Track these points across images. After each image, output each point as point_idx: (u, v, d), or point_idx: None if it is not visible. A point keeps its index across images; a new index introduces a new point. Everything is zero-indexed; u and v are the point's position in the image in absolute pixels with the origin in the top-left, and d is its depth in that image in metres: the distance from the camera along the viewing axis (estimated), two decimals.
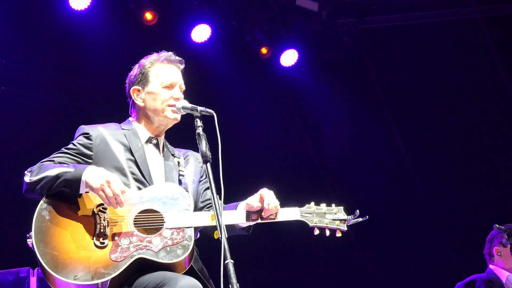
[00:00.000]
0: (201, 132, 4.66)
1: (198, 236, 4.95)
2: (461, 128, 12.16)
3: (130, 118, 5.21)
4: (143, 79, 5.14)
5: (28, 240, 4.53)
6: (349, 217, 5.09)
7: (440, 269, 12.04)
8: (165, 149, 5.18)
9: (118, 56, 10.51)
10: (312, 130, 12.85)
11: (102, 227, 4.58)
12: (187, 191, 4.93)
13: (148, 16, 10.50)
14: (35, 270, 7.29)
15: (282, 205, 5.00)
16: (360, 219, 5.09)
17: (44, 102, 10.80)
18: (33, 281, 7.29)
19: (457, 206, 12.29)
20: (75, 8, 10.02)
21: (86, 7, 10.03)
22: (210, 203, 5.01)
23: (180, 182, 5.03)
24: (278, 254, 12.46)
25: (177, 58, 5.23)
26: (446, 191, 12.40)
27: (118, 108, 10.71)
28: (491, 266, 8.15)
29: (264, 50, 11.54)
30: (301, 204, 5.17)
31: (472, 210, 12.03)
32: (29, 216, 4.75)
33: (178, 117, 5.06)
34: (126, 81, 5.27)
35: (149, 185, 4.87)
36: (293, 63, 11.79)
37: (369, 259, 12.54)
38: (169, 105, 5.03)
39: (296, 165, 12.83)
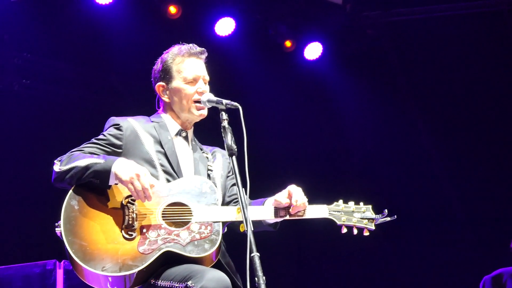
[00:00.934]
0: (227, 125, 4.67)
1: (226, 230, 4.96)
2: (488, 122, 12.05)
3: (160, 112, 5.23)
4: (166, 75, 5.17)
5: (56, 229, 4.55)
6: (377, 216, 5.11)
7: (467, 263, 11.97)
8: (193, 143, 5.20)
9: (142, 50, 10.52)
10: (336, 123, 12.79)
11: (130, 219, 4.60)
12: (216, 186, 4.95)
13: (172, 9, 10.49)
14: (62, 262, 7.33)
15: (309, 200, 5.00)
16: (388, 219, 5.10)
17: (68, 96, 10.83)
18: (59, 273, 7.32)
19: (484, 200, 12.20)
20: (100, 2, 10.03)
21: (111, 1, 10.05)
22: (237, 199, 5.02)
23: (208, 177, 5.04)
24: (303, 247, 12.43)
25: (198, 49, 5.22)
26: (472, 185, 12.31)
27: (143, 102, 10.72)
28: None
29: (288, 43, 11.51)
30: (325, 199, 5.17)
31: (499, 204, 11.95)
32: (55, 209, 4.78)
33: (204, 112, 5.07)
34: (151, 75, 5.29)
35: (178, 178, 4.89)
36: (317, 56, 11.74)
37: (395, 254, 12.48)
38: (195, 101, 5.04)
39: (320, 159, 12.79)
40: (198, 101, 5.05)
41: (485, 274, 8.32)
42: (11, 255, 8.99)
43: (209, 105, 5.01)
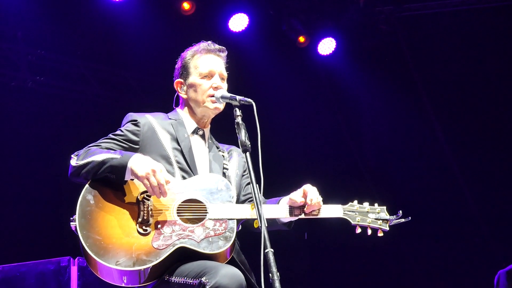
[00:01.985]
0: (240, 122, 4.68)
1: (240, 228, 4.97)
2: (502, 119, 12.01)
3: (178, 109, 5.25)
4: (184, 72, 5.20)
5: (71, 223, 4.56)
6: (392, 217, 5.11)
7: (481, 258, 11.95)
8: (210, 141, 5.22)
9: (156, 47, 10.57)
10: (350, 119, 12.78)
11: (145, 215, 4.61)
12: (231, 184, 4.96)
13: (186, 5, 10.51)
14: (76, 259, 7.35)
15: (323, 200, 4.99)
16: (403, 220, 5.09)
17: (82, 93, 10.87)
18: (73, 270, 7.35)
19: (497, 195, 12.17)
20: None
21: None
22: (251, 197, 5.01)
23: (224, 175, 5.05)
24: (316, 244, 12.42)
25: (217, 46, 5.25)
26: (486, 180, 12.28)
27: (157, 99, 10.80)
28: None
29: (301, 39, 11.52)
30: (338, 196, 5.18)
31: None
32: (69, 206, 4.78)
33: (220, 106, 5.08)
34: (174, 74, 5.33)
35: (194, 175, 4.89)
36: (331, 52, 11.74)
37: (409, 250, 12.47)
38: (209, 95, 5.06)
39: (334, 156, 12.77)
40: (212, 96, 5.06)
41: (499, 268, 8.30)
42: (25, 252, 9.02)
43: (222, 101, 5.03)
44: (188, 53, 5.24)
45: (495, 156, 12.10)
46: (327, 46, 11.70)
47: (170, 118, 5.16)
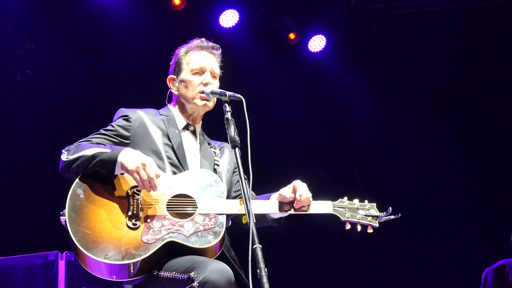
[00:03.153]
0: (230, 117, 4.70)
1: (230, 224, 4.98)
2: (491, 116, 12.05)
3: (170, 106, 5.26)
4: (177, 68, 5.25)
5: (61, 217, 4.56)
6: (382, 214, 5.13)
7: (469, 255, 11.99)
8: (201, 137, 5.24)
9: (146, 42, 10.56)
10: (340, 116, 12.80)
11: (135, 209, 4.62)
12: (221, 180, 4.97)
13: (176, 1, 10.48)
14: (64, 253, 7.34)
15: (313, 196, 5.01)
16: (393, 217, 5.12)
17: (72, 88, 10.84)
18: (61, 264, 7.33)
19: (486, 193, 12.22)
20: None
21: None
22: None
23: (214, 171, 5.06)
24: (305, 240, 12.44)
25: (210, 44, 5.29)
26: (475, 178, 12.32)
27: (147, 94, 10.80)
28: None
29: (292, 36, 11.51)
30: (328, 192, 5.18)
31: (501, 197, 11.96)
32: (58, 201, 4.79)
33: (209, 104, 5.11)
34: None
35: (184, 171, 4.90)
36: (321, 49, 11.75)
37: (397, 247, 12.50)
38: (199, 92, 5.08)
39: (323, 151, 12.78)
40: (202, 92, 5.08)
41: (487, 265, 8.33)
42: (13, 246, 9.00)
43: (212, 97, 5.06)
44: (182, 50, 5.28)
45: (484, 153, 12.15)
46: (317, 43, 11.72)
47: (161, 114, 5.18)
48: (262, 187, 5.22)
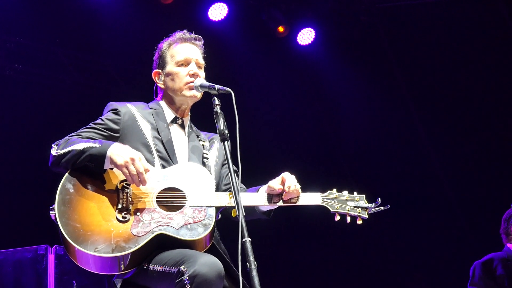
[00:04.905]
0: (219, 111, 4.72)
1: (220, 217, 4.99)
2: (481, 109, 12.08)
3: (157, 99, 5.28)
4: (161, 62, 5.26)
5: (51, 212, 4.56)
6: (371, 205, 5.14)
7: (457, 248, 12.03)
8: (190, 130, 5.25)
9: (135, 35, 10.54)
10: (329, 109, 12.81)
11: (124, 202, 4.63)
12: (210, 173, 4.98)
13: None
14: (53, 247, 7.34)
15: (302, 188, 5.01)
16: (382, 208, 5.13)
17: (61, 81, 10.82)
18: (51, 258, 7.34)
19: (475, 186, 12.25)
20: None
21: None
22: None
23: (203, 164, 5.07)
24: (295, 232, 12.45)
25: (192, 35, 5.30)
26: (464, 171, 12.36)
27: (136, 87, 10.78)
28: (508, 245, 8.16)
29: (281, 29, 11.51)
30: (316, 183, 5.20)
31: (489, 190, 11.99)
32: (47, 194, 4.78)
33: (197, 94, 5.11)
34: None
35: (173, 164, 4.91)
36: (310, 42, 11.76)
37: (387, 240, 12.53)
38: (187, 83, 5.09)
39: (312, 144, 12.80)
40: (189, 83, 5.09)
41: (475, 259, 8.35)
42: (2, 240, 8.98)
43: (201, 90, 5.07)
44: (164, 44, 5.29)
45: (474, 146, 12.18)
46: (306, 36, 11.73)
47: (150, 108, 5.19)
48: (251, 179, 5.23)
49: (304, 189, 5.04)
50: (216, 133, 4.77)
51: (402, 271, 12.50)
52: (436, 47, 11.88)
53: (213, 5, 10.93)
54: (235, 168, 4.72)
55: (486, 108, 12.06)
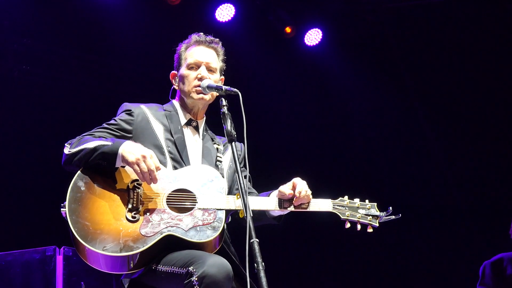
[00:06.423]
0: (226, 111, 4.73)
1: (230, 220, 4.99)
2: (489, 109, 12.03)
3: (173, 101, 5.29)
4: (177, 64, 5.34)
5: (61, 209, 4.60)
6: (382, 213, 5.14)
7: (467, 248, 11.99)
8: (204, 133, 5.26)
9: (142, 36, 10.55)
10: (337, 110, 12.77)
11: (135, 202, 4.65)
12: (223, 176, 4.98)
13: None
14: (61, 248, 7.35)
15: (313, 194, 5.01)
16: (393, 217, 5.13)
17: (68, 82, 10.82)
18: (59, 259, 7.34)
19: (483, 186, 12.21)
20: None
21: None
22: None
23: (217, 167, 5.07)
24: (305, 235, 12.43)
25: (208, 38, 5.34)
26: (472, 173, 12.32)
27: (144, 88, 10.78)
28: None
29: (288, 29, 11.50)
30: (321, 185, 5.19)
31: (499, 190, 11.95)
32: (56, 195, 4.79)
33: (205, 97, 5.13)
34: None
35: (186, 166, 4.92)
36: (317, 42, 11.75)
37: (395, 242, 12.48)
38: (195, 86, 5.11)
39: (320, 145, 12.76)
40: (198, 86, 5.10)
41: (485, 259, 8.34)
42: (11, 241, 9.00)
43: (209, 91, 5.08)
44: (182, 46, 5.37)
45: (481, 145, 12.13)
46: (313, 36, 11.72)
47: (164, 110, 5.23)
48: (259, 181, 5.23)
49: (315, 195, 5.04)
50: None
51: (411, 273, 12.45)
52: (443, 47, 11.84)
53: (220, 6, 10.93)
54: (244, 169, 4.72)
55: (496, 110, 12.01)
